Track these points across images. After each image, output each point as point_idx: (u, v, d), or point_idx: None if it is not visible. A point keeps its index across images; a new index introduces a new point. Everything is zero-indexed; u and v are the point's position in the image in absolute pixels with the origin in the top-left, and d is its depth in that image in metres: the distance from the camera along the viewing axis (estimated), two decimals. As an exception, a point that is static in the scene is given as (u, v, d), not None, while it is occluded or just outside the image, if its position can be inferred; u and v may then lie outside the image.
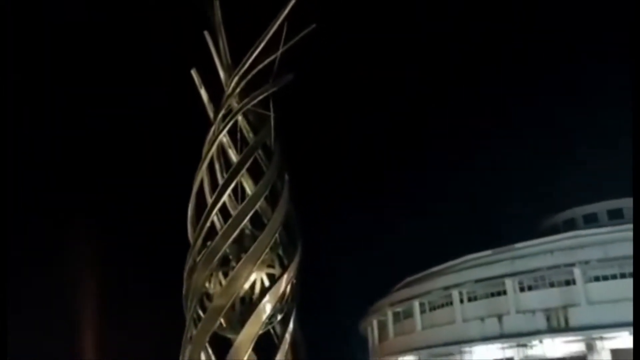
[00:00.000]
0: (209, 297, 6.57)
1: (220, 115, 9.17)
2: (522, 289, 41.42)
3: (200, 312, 6.44)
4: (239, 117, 8.80)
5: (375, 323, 53.42)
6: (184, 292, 6.87)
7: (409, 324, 46.93)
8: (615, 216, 43.28)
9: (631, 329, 33.06)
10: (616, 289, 35.87)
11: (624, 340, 35.32)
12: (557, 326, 39.10)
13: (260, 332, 5.97)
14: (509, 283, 41.16)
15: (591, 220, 44.42)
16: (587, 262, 38.63)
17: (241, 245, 7.39)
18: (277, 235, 7.10)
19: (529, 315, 39.92)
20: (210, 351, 6.26)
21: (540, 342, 39.05)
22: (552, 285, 40.21)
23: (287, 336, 5.84)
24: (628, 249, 33.75)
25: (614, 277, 37.72)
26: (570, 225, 44.83)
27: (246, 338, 5.76)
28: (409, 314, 47.92)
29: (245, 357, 5.73)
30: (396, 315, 49.75)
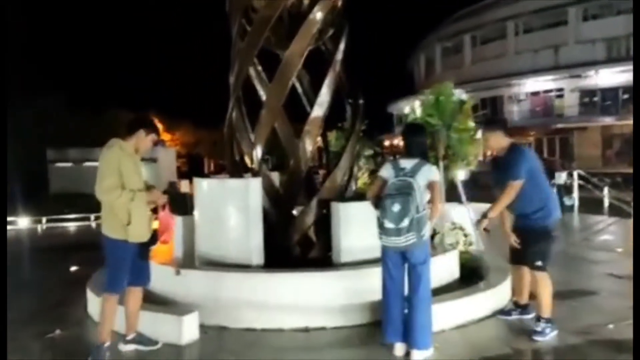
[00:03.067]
0: (254, 9, 6.01)
1: None
2: (585, 18, 38.77)
3: (247, 26, 5.96)
4: None
5: (422, 59, 52.86)
6: (227, 7, 6.27)
7: (457, 59, 46.12)
8: None
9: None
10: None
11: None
12: (617, 56, 37.57)
13: (310, 47, 5.52)
14: (571, 12, 38.35)
15: None
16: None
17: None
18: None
19: (588, 45, 38.15)
20: (259, 67, 6.00)
21: (596, 72, 38.10)
22: (619, 13, 37.24)
23: (339, 54, 5.41)
24: None
25: (694, -1, 34.11)
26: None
27: (295, 52, 5.36)
28: (458, 49, 46.73)
29: (295, 72, 5.46)
30: (445, 50, 48.70)
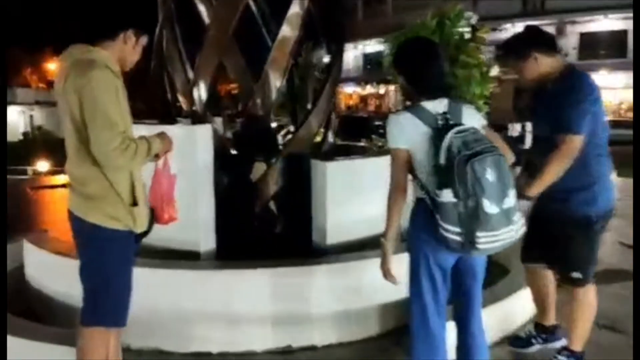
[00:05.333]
0: None
1: None
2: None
3: None
4: None
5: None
6: None
7: (379, 8, 45.00)
8: None
9: (605, 12, 32.93)
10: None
11: (595, 24, 35.31)
12: (532, 10, 38.27)
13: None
14: (492, -38, 38.23)
15: None
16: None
17: None
18: None
19: (506, -1, 38.51)
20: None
21: (513, 25, 38.64)
22: (536, -34, 37.70)
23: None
24: None
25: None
26: None
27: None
28: (380, -3, 45.58)
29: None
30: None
